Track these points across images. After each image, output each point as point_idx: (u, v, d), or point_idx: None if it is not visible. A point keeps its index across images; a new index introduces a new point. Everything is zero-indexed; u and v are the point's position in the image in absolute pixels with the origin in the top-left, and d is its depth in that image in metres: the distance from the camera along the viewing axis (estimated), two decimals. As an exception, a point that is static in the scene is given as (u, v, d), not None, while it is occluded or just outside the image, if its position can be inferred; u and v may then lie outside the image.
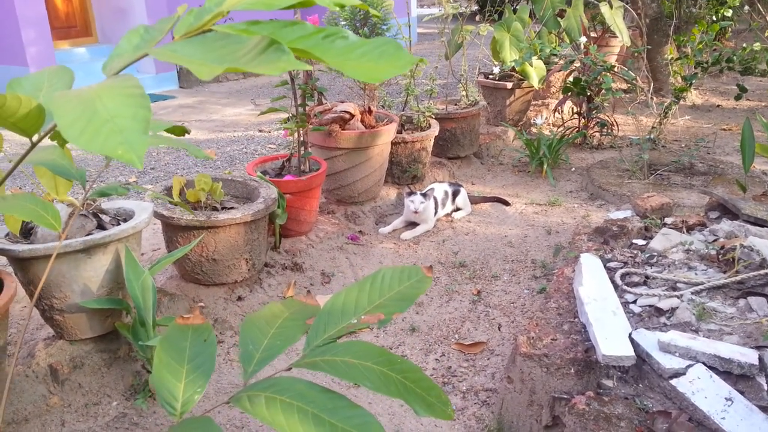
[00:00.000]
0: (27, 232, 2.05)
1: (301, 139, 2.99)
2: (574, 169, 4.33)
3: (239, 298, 2.57)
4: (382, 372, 0.94)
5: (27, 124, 0.74)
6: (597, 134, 4.81)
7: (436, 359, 2.29)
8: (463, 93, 4.43)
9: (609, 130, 4.75)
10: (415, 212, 3.28)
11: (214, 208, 2.52)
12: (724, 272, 2.14)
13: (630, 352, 1.73)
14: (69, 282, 1.94)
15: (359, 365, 0.94)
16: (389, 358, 0.97)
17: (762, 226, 2.44)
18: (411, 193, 3.30)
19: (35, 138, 0.80)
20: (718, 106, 6.00)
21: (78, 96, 0.63)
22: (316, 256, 2.98)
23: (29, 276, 1.93)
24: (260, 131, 5.48)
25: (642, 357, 1.78)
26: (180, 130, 1.36)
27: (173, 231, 2.41)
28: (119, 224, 2.12)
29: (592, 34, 6.10)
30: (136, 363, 2.16)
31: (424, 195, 3.28)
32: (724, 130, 5.16)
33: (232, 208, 2.51)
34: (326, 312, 1.03)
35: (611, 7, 5.11)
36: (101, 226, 2.12)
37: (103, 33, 7.54)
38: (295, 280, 2.78)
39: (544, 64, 4.71)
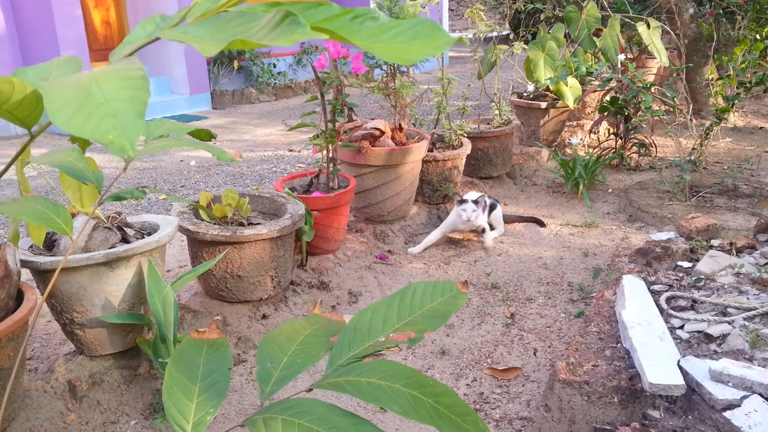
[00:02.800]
0: (50, 244, 2.02)
1: (330, 155, 2.94)
2: (611, 190, 4.20)
3: (264, 317, 2.50)
4: (412, 395, 0.85)
5: (23, 113, 0.68)
6: (635, 155, 4.67)
7: (468, 384, 2.17)
8: (496, 112, 4.35)
9: (648, 151, 4.60)
10: (468, 221, 3.16)
11: (241, 224, 2.47)
12: (779, 298, 1.99)
13: (679, 380, 1.60)
14: (90, 296, 1.89)
15: (386, 387, 0.85)
16: (420, 379, 0.88)
17: (818, 249, 2.28)
18: (462, 201, 3.17)
19: (35, 129, 0.74)
20: (761, 128, 5.80)
21: (75, 81, 0.56)
22: (343, 274, 2.90)
23: (50, 289, 1.89)
24: (290, 151, 5.46)
25: (691, 386, 1.65)
26: (206, 134, 1.31)
27: (198, 246, 2.36)
28: (143, 238, 2.08)
29: (629, 55, 5.98)
30: (157, 381, 2.10)
31: (476, 202, 3.16)
32: (768, 152, 4.97)
33: (258, 224, 2.45)
34: (352, 329, 0.95)
35: (649, 27, 5.00)
36: (125, 240, 2.07)
37: (140, 55, 7.65)
38: (321, 299, 2.70)
39: (580, 83, 4.61)
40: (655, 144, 4.72)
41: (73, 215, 2.05)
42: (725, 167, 4.54)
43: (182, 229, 2.34)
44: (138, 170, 5.02)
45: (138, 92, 0.53)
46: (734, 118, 5.92)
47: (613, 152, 4.59)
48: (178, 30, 0.64)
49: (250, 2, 0.58)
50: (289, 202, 2.62)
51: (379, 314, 0.98)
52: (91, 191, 1.86)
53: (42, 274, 1.89)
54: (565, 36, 4.93)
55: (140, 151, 1.06)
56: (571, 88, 4.52)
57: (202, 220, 2.45)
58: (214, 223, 2.42)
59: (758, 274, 2.12)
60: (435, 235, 3.30)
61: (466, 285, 1.02)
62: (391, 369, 0.88)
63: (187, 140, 1.11)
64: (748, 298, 2.01)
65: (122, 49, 0.70)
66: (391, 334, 0.95)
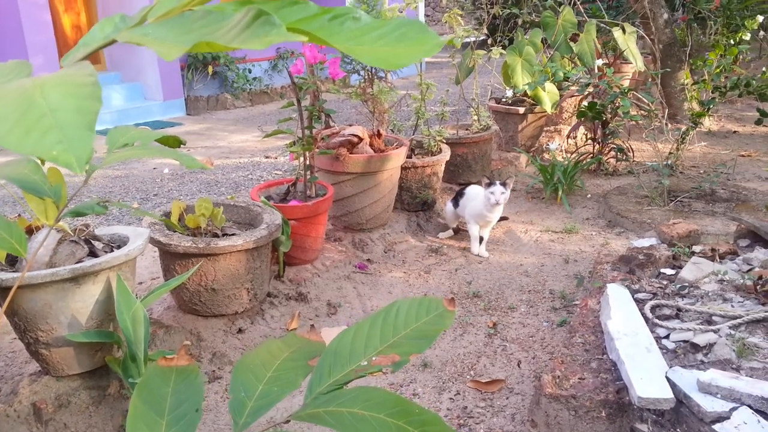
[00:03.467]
0: (13, 260, 1.92)
1: (307, 163, 2.87)
2: (590, 195, 4.18)
3: (240, 330, 2.41)
4: (398, 426, 0.79)
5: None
6: (612, 160, 4.67)
7: (451, 398, 2.12)
8: (475, 118, 4.32)
9: (625, 156, 4.61)
10: (497, 204, 3.07)
11: (215, 235, 2.39)
12: (763, 304, 1.97)
13: (668, 393, 1.56)
14: (56, 313, 1.79)
15: (370, 418, 0.79)
16: (405, 408, 0.81)
17: (799, 254, 2.28)
18: (490, 184, 3.07)
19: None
20: (735, 132, 5.87)
21: (16, 88, 0.49)
22: (322, 285, 2.83)
23: (13, 306, 1.79)
24: (266, 157, 5.38)
25: (679, 398, 1.62)
26: (174, 141, 1.23)
27: (170, 258, 2.28)
28: (113, 251, 1.99)
29: (604, 60, 6.01)
30: (127, 401, 2.00)
31: (504, 184, 3.07)
32: (743, 156, 5.01)
33: (233, 234, 2.37)
34: (332, 352, 0.89)
35: (624, 32, 5.02)
36: (93, 254, 1.98)
37: (112, 60, 7.52)
38: (299, 311, 2.62)
39: (557, 88, 4.60)
40: (632, 149, 4.73)
41: (38, 228, 1.96)
42: (702, 171, 4.57)
43: (153, 241, 2.26)
44: (109, 179, 4.90)
45: (87, 101, 0.46)
46: (709, 123, 5.98)
47: (591, 157, 4.59)
48: (138, 31, 0.57)
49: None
50: (265, 212, 2.55)
51: (361, 335, 0.92)
52: (62, 200, 1.77)
53: (4, 292, 1.79)
54: (542, 41, 4.93)
55: (103, 162, 0.99)
56: (548, 94, 4.51)
57: (175, 231, 2.36)
58: (187, 235, 2.34)
59: (742, 280, 2.10)
60: (473, 229, 3.25)
61: (453, 302, 0.97)
62: (375, 397, 0.82)
63: (155, 148, 1.03)
64: (732, 306, 1.99)
65: (76, 52, 0.63)
66: (374, 358, 0.89)
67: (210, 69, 7.49)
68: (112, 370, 1.97)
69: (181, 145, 1.16)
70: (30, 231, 1.97)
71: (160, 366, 0.88)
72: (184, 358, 0.90)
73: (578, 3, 5.26)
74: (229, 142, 6.05)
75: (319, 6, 0.59)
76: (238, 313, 2.43)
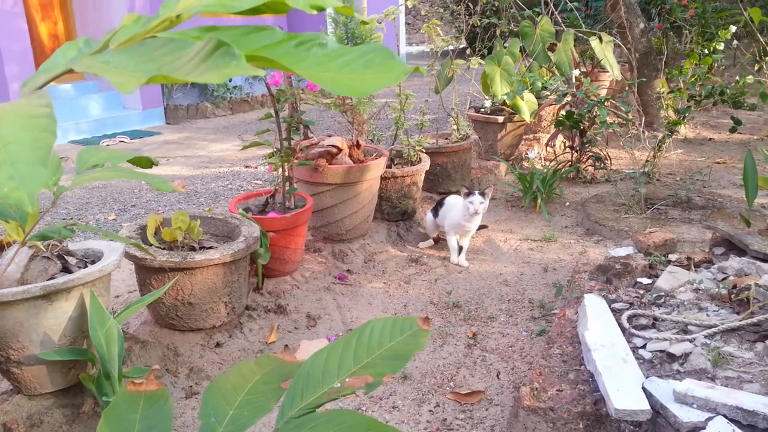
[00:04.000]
0: (-16, 276, 1.88)
1: (286, 174, 2.86)
2: (568, 203, 4.22)
3: (218, 345, 2.39)
4: (371, 450, 0.78)
5: None
6: (591, 168, 4.71)
7: (430, 410, 2.11)
8: (454, 127, 4.33)
9: (603, 164, 4.66)
10: (476, 213, 3.09)
11: (192, 248, 2.36)
12: (738, 313, 1.99)
13: (645, 405, 1.57)
14: (27, 331, 1.76)
15: (343, 442, 0.78)
16: (379, 431, 0.81)
17: (772, 263, 2.31)
18: (469, 194, 3.08)
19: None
20: (710, 139, 5.96)
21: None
22: (301, 297, 2.82)
23: (-17, 325, 1.76)
24: (246, 167, 5.35)
25: (656, 409, 1.63)
26: (146, 162, 1.22)
27: (146, 273, 2.25)
28: (87, 266, 1.96)
29: (582, 69, 6.08)
30: (102, 419, 1.97)
31: (483, 194, 3.09)
32: (718, 163, 5.09)
33: (210, 247, 2.35)
34: (304, 375, 0.88)
35: (601, 41, 5.08)
36: (67, 269, 1.95)
37: (89, 69, 7.44)
38: (278, 323, 2.60)
39: (536, 97, 4.64)
40: (610, 156, 4.78)
41: (9, 244, 1.92)
42: (678, 179, 4.62)
43: (128, 256, 2.23)
44: (87, 189, 4.84)
45: (42, 134, 0.45)
46: (685, 130, 6.06)
47: (570, 165, 4.62)
48: (98, 59, 0.56)
49: (210, 16, 0.51)
50: (243, 224, 2.53)
51: (334, 356, 0.91)
52: (29, 218, 1.74)
53: (-27, 309, 1.75)
54: (520, 50, 4.97)
55: (72, 184, 0.97)
56: (527, 103, 4.54)
57: (151, 244, 2.33)
58: (164, 248, 2.31)
59: (717, 289, 2.12)
60: (452, 240, 3.27)
61: (428, 321, 0.96)
62: (348, 420, 0.81)
63: (125, 170, 1.02)
64: (707, 315, 2.01)
65: (36, 79, 0.62)
66: (347, 379, 0.88)
67: (189, 78, 7.44)
68: (86, 388, 1.93)
69: (153, 166, 1.15)
70: (1, 247, 1.94)
71: (128, 391, 0.86)
72: (153, 382, 0.88)
73: (556, 13, 5.31)
74: (208, 151, 6.01)
75: (286, 32, 0.59)
76: (215, 327, 2.40)
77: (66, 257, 1.99)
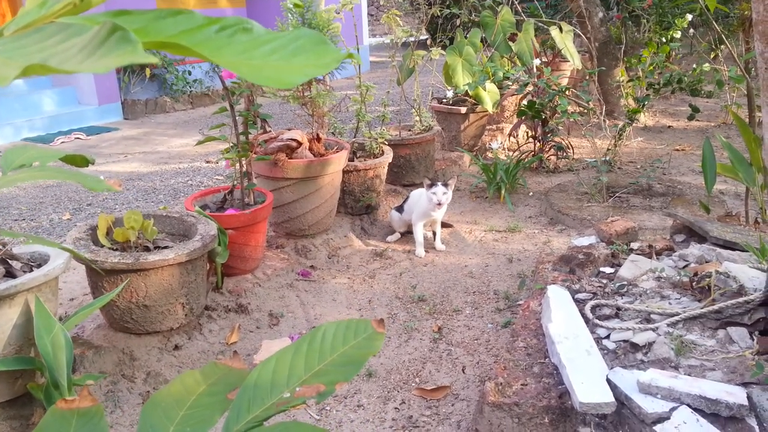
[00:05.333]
0: None
1: (245, 169, 2.78)
2: (531, 193, 4.22)
3: (176, 347, 2.31)
4: (322, 464, 0.73)
5: None
6: (553, 158, 4.73)
7: (396, 408, 2.07)
8: (417, 118, 4.30)
9: (565, 154, 4.67)
10: (439, 204, 3.07)
11: (146, 248, 2.28)
12: (699, 300, 2.00)
13: (609, 398, 1.56)
14: (-33, 341, 1.67)
15: (291, 457, 0.73)
16: (331, 443, 0.76)
17: (731, 249, 2.33)
18: (432, 185, 3.07)
19: None
20: (669, 126, 6.04)
21: None
22: (263, 295, 2.75)
23: None
24: (207, 162, 5.23)
25: (620, 400, 1.61)
26: (81, 160, 1.14)
27: (98, 275, 2.16)
28: (32, 270, 1.87)
29: (543, 59, 6.10)
30: (53, 430, 1.88)
31: (446, 185, 3.08)
32: (677, 150, 5.16)
33: (165, 247, 2.26)
34: (251, 385, 0.82)
35: (561, 31, 5.09)
36: (11, 274, 1.86)
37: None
38: (239, 323, 2.53)
39: (498, 88, 4.63)
40: (572, 146, 4.80)
41: (-54, 250, 1.82)
42: (639, 167, 4.67)
43: (78, 258, 2.13)
44: (40, 188, 4.67)
45: None
46: (645, 118, 6.13)
47: (533, 155, 4.63)
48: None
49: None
50: (200, 222, 2.45)
51: (283, 364, 0.86)
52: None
53: None
54: (481, 41, 4.94)
55: (-5, 186, 0.90)
56: (489, 93, 4.53)
57: (102, 246, 2.24)
58: (116, 249, 2.22)
59: (678, 277, 2.13)
60: (419, 233, 3.26)
61: (383, 324, 0.92)
62: (297, 433, 0.76)
63: (54, 169, 0.95)
64: (670, 303, 2.01)
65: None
66: (297, 389, 0.83)
67: (148, 71, 7.25)
68: (35, 398, 1.85)
69: (89, 164, 1.07)
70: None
71: (59, 409, 0.80)
72: (87, 398, 0.82)
73: (516, 3, 5.31)
74: (168, 146, 5.86)
75: (206, 16, 0.53)
76: (173, 330, 2.32)
77: (10, 261, 1.89)
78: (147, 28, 0.49)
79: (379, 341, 0.90)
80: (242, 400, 0.81)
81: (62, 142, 6.08)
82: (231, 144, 2.71)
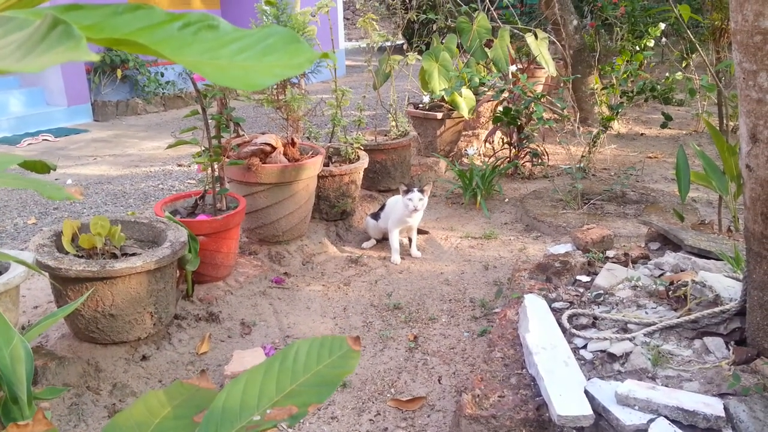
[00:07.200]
0: None
1: (216, 174, 2.72)
2: (507, 200, 4.21)
3: (144, 358, 2.24)
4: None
5: None
6: (528, 164, 4.74)
7: (371, 419, 2.03)
8: (393, 123, 4.26)
9: (540, 160, 4.68)
10: (415, 210, 3.05)
11: (113, 255, 2.20)
12: (675, 310, 2.00)
13: (588, 410, 1.53)
14: None
15: (260, 486, 0.68)
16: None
17: (706, 257, 2.33)
18: (408, 191, 3.05)
19: None
20: (642, 134, 6.10)
21: None
22: (235, 303, 2.68)
23: None
24: (179, 165, 5.13)
25: (598, 411, 1.59)
26: (41, 167, 1.08)
27: (62, 283, 2.07)
28: (-9, 279, 1.78)
29: (518, 66, 6.12)
30: (11, 446, 1.80)
31: (422, 191, 3.06)
32: (650, 158, 5.21)
33: (133, 254, 2.19)
34: (219, 408, 0.77)
35: (537, 38, 5.11)
36: (-32, 282, 1.77)
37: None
38: (210, 332, 2.47)
39: (474, 94, 4.62)
40: (547, 152, 4.81)
41: None
42: (612, 174, 4.70)
43: (42, 266, 2.05)
44: (6, 191, 4.53)
45: None
46: (618, 126, 6.19)
47: (508, 161, 4.63)
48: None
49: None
50: (169, 228, 2.37)
51: (253, 385, 0.81)
52: None
53: None
54: (457, 47, 4.94)
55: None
56: (465, 99, 4.52)
57: (67, 252, 2.16)
58: (81, 256, 2.14)
59: (654, 286, 2.12)
60: (395, 240, 3.23)
61: (358, 342, 0.87)
62: (267, 459, 0.72)
63: (12, 177, 0.88)
64: (646, 312, 2.00)
65: None
66: (268, 411, 0.78)
67: (119, 73, 7.10)
68: (-8, 413, 1.76)
69: (50, 171, 1.01)
70: None
71: (9, 436, 0.74)
72: (42, 422, 0.76)
73: (492, 9, 5.32)
74: (139, 149, 5.75)
75: (169, 12, 0.48)
76: (141, 339, 2.25)
77: (-33, 270, 1.81)
78: (102, 24, 0.44)
79: (355, 360, 0.86)
80: (209, 423, 0.76)
81: (29, 144, 5.92)
82: (203, 148, 2.64)
